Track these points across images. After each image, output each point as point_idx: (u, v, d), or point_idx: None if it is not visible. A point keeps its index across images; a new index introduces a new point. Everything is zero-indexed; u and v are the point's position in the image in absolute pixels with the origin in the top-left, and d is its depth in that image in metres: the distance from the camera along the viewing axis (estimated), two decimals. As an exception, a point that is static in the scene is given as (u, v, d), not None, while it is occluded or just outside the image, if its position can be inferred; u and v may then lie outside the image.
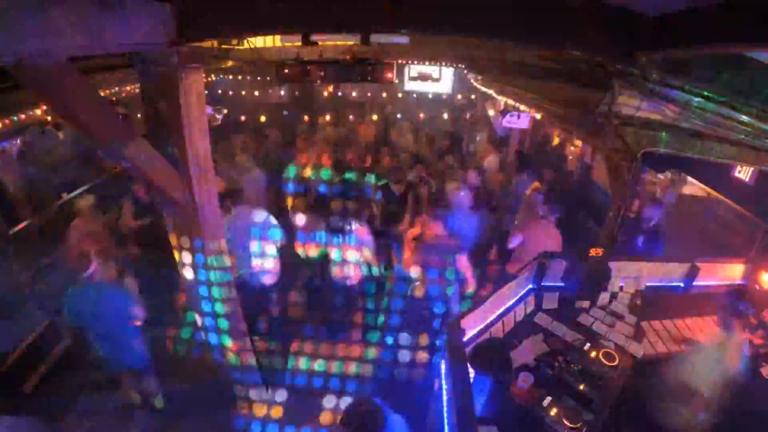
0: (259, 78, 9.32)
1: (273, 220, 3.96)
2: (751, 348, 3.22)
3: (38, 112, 5.18)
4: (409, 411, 2.40)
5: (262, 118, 9.51)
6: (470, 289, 3.83)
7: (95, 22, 1.80)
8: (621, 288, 3.69)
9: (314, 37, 2.93)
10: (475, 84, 7.27)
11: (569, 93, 3.75)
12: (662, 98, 2.59)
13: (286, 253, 4.16)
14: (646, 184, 5.41)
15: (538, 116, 5.65)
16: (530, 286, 3.59)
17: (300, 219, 4.32)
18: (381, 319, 4.53)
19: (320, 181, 5.25)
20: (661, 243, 4.56)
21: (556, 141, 8.65)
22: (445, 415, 2.57)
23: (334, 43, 4.86)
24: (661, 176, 5.61)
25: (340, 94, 10.64)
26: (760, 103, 2.25)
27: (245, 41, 4.04)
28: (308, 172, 5.39)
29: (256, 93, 10.08)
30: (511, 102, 5.83)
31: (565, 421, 2.54)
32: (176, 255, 3.02)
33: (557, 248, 4.02)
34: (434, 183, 5.33)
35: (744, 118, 2.33)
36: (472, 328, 2.99)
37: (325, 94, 10.69)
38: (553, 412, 2.60)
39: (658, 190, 5.50)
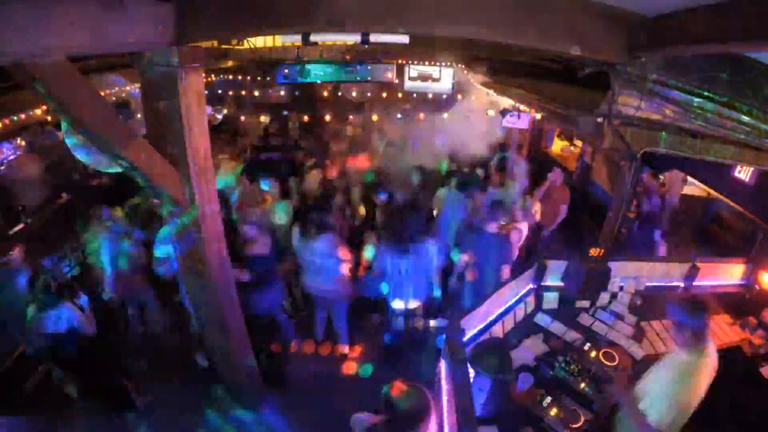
0: (259, 78, 9.33)
1: None
2: (751, 348, 3.22)
3: (38, 112, 5.18)
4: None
5: (262, 118, 9.51)
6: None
7: (95, 22, 1.80)
8: (621, 288, 3.69)
9: (314, 37, 2.93)
10: (475, 84, 7.28)
11: (569, 93, 3.76)
12: (662, 98, 2.59)
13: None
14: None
15: (538, 116, 5.66)
16: (530, 286, 3.59)
17: None
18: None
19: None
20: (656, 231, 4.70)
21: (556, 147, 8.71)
22: (445, 415, 2.57)
23: (334, 43, 4.86)
24: (661, 177, 5.61)
25: (340, 94, 10.63)
26: (760, 103, 2.25)
27: (245, 41, 4.05)
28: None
29: (256, 93, 10.08)
30: (511, 102, 5.83)
31: (565, 421, 2.54)
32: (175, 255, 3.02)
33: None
34: None
35: (744, 118, 2.33)
36: (472, 328, 2.99)
37: (325, 93, 10.69)
38: (553, 412, 2.60)
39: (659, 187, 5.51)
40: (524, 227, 4.38)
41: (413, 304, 3.83)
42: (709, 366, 2.13)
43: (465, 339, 2.81)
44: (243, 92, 10.06)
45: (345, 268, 3.96)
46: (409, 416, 1.77)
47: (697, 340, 2.12)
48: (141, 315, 4.51)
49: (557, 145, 9.06)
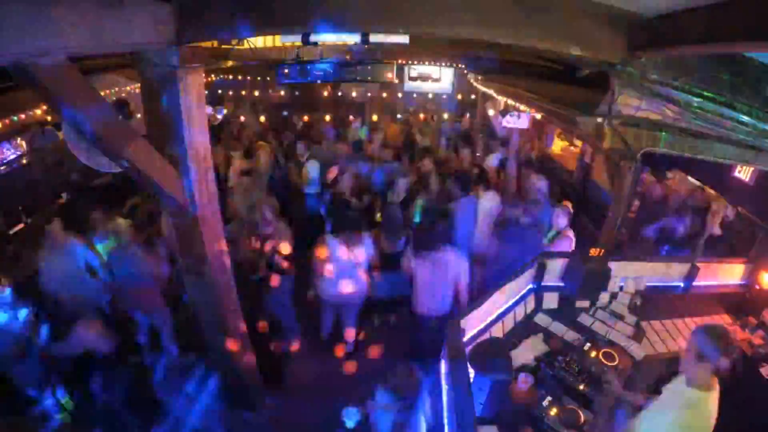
0: (259, 78, 9.35)
1: None
2: (751, 348, 3.22)
3: (38, 112, 5.18)
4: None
5: (262, 118, 9.53)
6: None
7: (95, 22, 1.80)
8: (621, 288, 3.69)
9: (314, 37, 2.93)
10: (475, 84, 7.28)
11: (569, 93, 3.76)
12: (662, 98, 2.60)
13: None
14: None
15: (538, 116, 5.66)
16: (530, 286, 3.59)
17: None
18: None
19: None
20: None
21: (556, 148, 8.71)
22: (445, 415, 2.57)
23: (334, 43, 4.85)
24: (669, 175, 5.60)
25: (340, 94, 10.65)
26: (760, 103, 2.25)
27: (245, 41, 4.04)
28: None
29: (256, 93, 10.09)
30: (511, 102, 5.83)
31: (565, 421, 2.54)
32: (176, 255, 3.03)
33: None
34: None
35: (744, 118, 2.33)
36: (472, 328, 2.99)
37: (325, 93, 10.70)
38: (553, 412, 2.60)
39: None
40: (571, 234, 4.17)
41: (435, 311, 3.70)
42: (714, 404, 1.93)
43: (465, 339, 2.81)
44: (243, 92, 10.09)
45: (359, 272, 3.93)
46: (403, 389, 1.81)
47: (711, 377, 1.92)
48: (150, 336, 4.21)
49: (557, 145, 9.06)
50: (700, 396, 1.91)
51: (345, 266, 3.84)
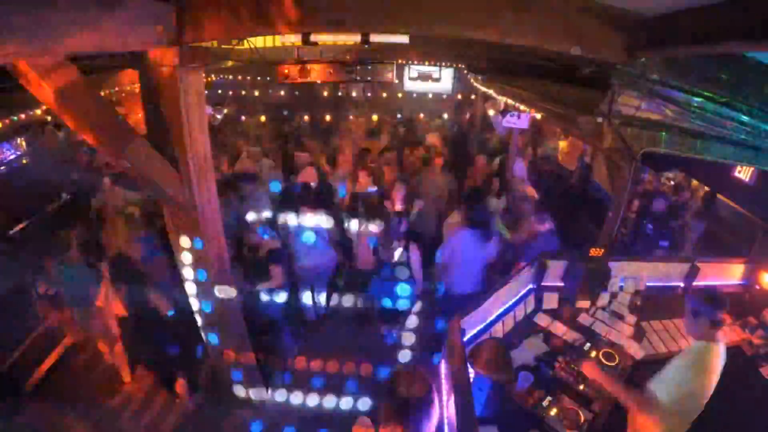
0: (259, 78, 9.33)
1: None
2: (751, 348, 3.22)
3: (38, 112, 5.18)
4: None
5: (262, 118, 9.52)
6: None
7: (95, 22, 1.80)
8: (621, 288, 3.68)
9: (314, 37, 2.93)
10: (475, 84, 7.27)
11: (569, 93, 3.75)
12: (662, 98, 2.60)
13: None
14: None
15: (538, 116, 5.65)
16: (530, 286, 3.59)
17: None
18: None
19: None
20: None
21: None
22: (445, 415, 2.57)
23: (334, 43, 4.84)
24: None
25: (340, 94, 10.65)
26: (760, 103, 2.25)
27: (245, 41, 4.04)
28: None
29: (256, 93, 10.08)
30: (511, 102, 5.83)
31: (565, 421, 2.54)
32: (176, 255, 3.02)
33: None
34: None
35: (744, 118, 2.33)
36: (472, 328, 2.99)
37: (325, 93, 10.70)
38: (553, 412, 2.60)
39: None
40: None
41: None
42: (719, 356, 2.17)
43: (465, 339, 2.81)
44: (243, 92, 10.08)
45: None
46: (410, 403, 1.76)
47: (711, 331, 2.18)
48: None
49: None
50: (701, 346, 2.18)
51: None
